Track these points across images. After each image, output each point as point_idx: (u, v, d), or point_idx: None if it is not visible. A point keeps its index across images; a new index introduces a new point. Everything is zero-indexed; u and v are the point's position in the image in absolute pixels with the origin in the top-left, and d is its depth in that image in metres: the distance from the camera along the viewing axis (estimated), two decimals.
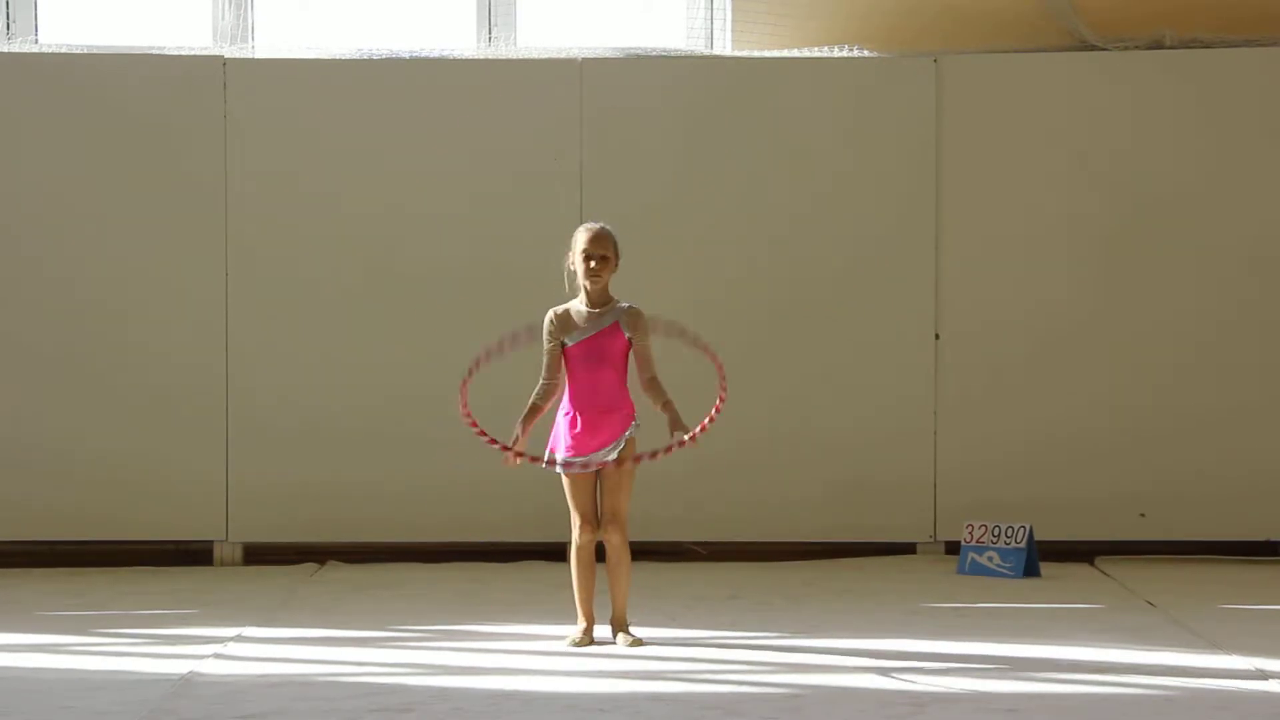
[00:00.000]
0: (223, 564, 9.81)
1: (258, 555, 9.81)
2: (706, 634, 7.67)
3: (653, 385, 7.33)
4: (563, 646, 7.32)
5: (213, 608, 8.44)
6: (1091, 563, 9.68)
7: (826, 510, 9.75)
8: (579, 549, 7.40)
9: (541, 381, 7.38)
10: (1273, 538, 9.85)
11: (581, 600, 7.44)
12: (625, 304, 7.36)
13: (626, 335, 7.31)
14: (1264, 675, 6.74)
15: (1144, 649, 7.31)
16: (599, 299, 7.34)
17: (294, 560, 9.75)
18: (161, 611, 8.45)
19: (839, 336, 9.87)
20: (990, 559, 9.31)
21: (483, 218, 9.83)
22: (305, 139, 9.82)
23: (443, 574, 9.41)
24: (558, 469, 7.33)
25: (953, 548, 9.68)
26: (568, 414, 7.31)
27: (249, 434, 9.79)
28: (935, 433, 9.86)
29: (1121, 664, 7.03)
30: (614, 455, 7.25)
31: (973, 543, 9.39)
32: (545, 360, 7.38)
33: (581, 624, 7.43)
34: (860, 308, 9.87)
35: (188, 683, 6.68)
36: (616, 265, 7.37)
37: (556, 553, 9.67)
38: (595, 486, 7.36)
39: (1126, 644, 7.41)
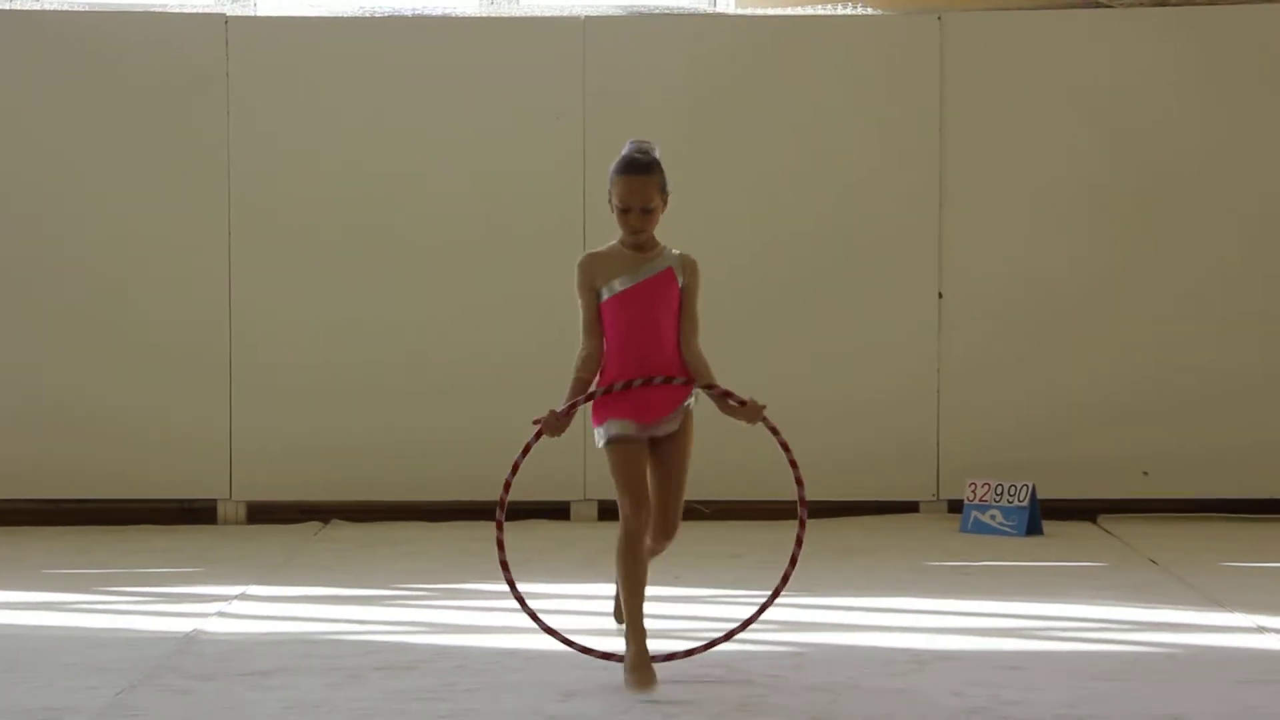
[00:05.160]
0: (226, 522, 9.83)
1: (261, 514, 9.83)
2: (710, 592, 7.68)
3: (697, 359, 5.94)
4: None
5: (216, 566, 8.46)
6: (1094, 521, 9.69)
7: (830, 469, 9.72)
8: (629, 536, 5.83)
9: (582, 350, 5.93)
10: (1275, 495, 9.85)
11: (632, 609, 5.86)
12: (677, 251, 6.01)
13: (681, 284, 5.95)
14: (1265, 631, 6.75)
15: (1146, 606, 7.31)
16: (645, 245, 5.97)
17: (297, 519, 9.77)
18: (165, 570, 8.46)
19: (843, 297, 9.85)
20: (993, 517, 9.31)
21: (485, 177, 9.81)
22: (307, 98, 9.80)
23: (446, 532, 9.43)
24: (600, 444, 5.97)
25: (955, 506, 9.68)
26: (614, 379, 5.89)
27: (253, 393, 9.80)
28: (939, 391, 9.85)
29: (1124, 621, 7.05)
30: (675, 425, 5.97)
31: (975, 501, 9.40)
32: (582, 319, 5.92)
33: (633, 646, 5.84)
34: (864, 267, 9.86)
35: (191, 640, 6.70)
36: (665, 205, 5.95)
37: (561, 511, 9.71)
38: (647, 464, 5.96)
39: (1129, 601, 7.42)
